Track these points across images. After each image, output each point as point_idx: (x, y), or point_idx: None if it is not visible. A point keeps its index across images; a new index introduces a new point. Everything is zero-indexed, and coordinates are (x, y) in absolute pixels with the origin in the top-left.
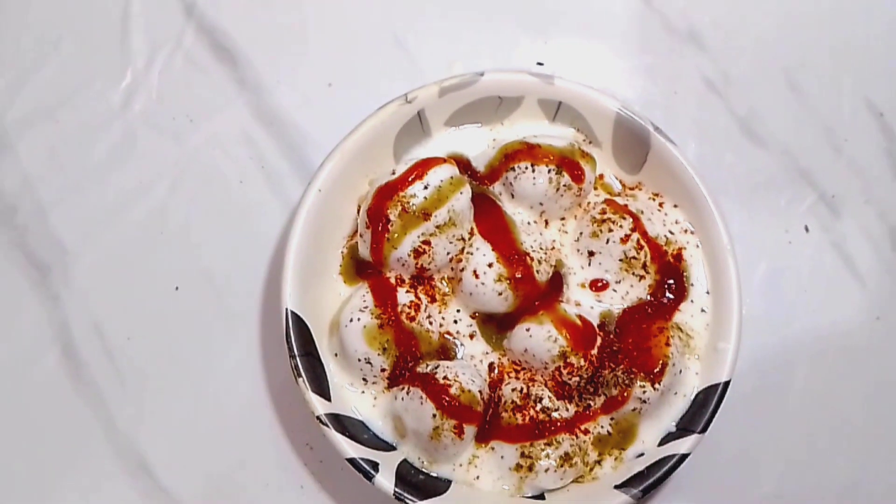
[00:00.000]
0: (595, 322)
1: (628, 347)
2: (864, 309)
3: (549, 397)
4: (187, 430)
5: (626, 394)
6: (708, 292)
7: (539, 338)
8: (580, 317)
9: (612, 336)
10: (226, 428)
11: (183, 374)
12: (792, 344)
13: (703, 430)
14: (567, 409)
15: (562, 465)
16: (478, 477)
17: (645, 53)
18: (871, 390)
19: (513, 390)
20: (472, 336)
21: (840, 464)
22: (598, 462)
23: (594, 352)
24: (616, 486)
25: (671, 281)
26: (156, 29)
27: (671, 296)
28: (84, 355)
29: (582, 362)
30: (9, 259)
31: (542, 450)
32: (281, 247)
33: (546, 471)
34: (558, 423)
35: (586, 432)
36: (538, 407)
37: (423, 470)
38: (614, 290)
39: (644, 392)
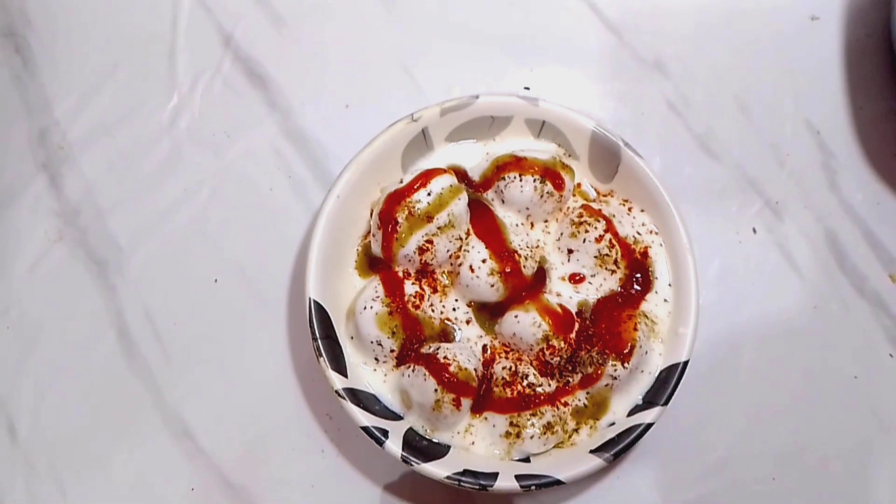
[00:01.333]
0: (573, 310)
1: (601, 332)
2: (802, 299)
3: (534, 374)
4: (224, 401)
5: (599, 371)
6: (670, 284)
7: (525, 323)
8: (560, 305)
9: (587, 322)
10: (257, 400)
11: (221, 354)
12: (741, 329)
13: (666, 403)
14: (549, 385)
15: (545, 433)
16: (473, 443)
17: (616, 80)
18: (808, 369)
19: (503, 368)
20: (468, 322)
21: (781, 432)
22: (576, 430)
23: (572, 336)
24: (591, 451)
25: (638, 275)
26: (198, 58)
27: (638, 287)
28: (136, 338)
29: (562, 344)
30: (73, 255)
31: (528, 419)
32: (305, 245)
33: (531, 437)
34: (542, 397)
35: (566, 405)
36: (525, 383)
37: (426, 437)
38: (590, 283)
39: (615, 370)
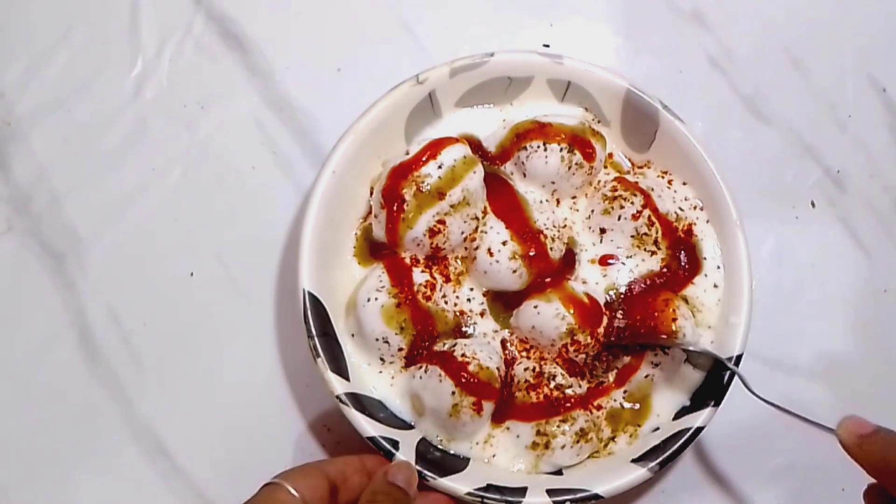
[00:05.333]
0: (601, 298)
1: (635, 324)
2: (870, 281)
3: (563, 374)
4: (204, 412)
5: (637, 362)
6: (719, 267)
7: (547, 315)
8: (587, 294)
9: (616, 315)
10: (242, 411)
11: (199, 358)
12: (801, 316)
13: (717, 404)
14: (580, 386)
15: (578, 441)
16: (494, 455)
17: (650, 34)
18: (879, 362)
19: (525, 370)
20: (482, 314)
21: None
22: (613, 438)
23: (600, 330)
24: (633, 460)
25: (684, 256)
26: (165, 17)
27: (686, 269)
28: (100, 341)
29: (589, 340)
30: (25, 247)
31: (559, 426)
32: (294, 231)
33: (563, 447)
34: (573, 400)
35: (599, 408)
36: (552, 384)
37: (441, 448)
38: (623, 264)
39: (656, 356)
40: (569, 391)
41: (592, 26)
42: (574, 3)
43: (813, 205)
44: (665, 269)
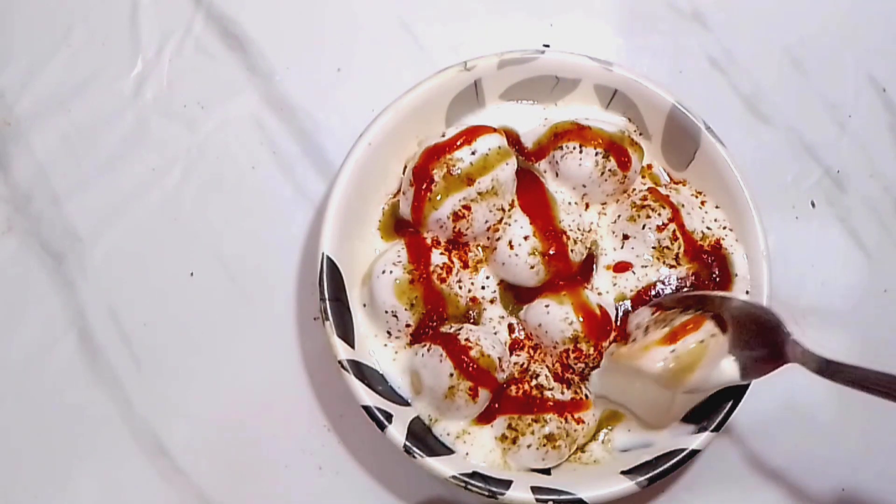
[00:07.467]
0: (612, 308)
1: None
2: (871, 282)
3: (546, 376)
4: (203, 413)
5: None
6: (748, 292)
7: (556, 317)
8: (600, 306)
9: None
10: (242, 411)
11: (199, 358)
12: (800, 318)
13: (717, 429)
14: (563, 393)
15: (544, 445)
16: (473, 445)
17: (650, 33)
18: (880, 361)
19: (514, 364)
20: (493, 301)
21: (850, 434)
22: (583, 448)
23: (605, 344)
24: (622, 472)
25: (716, 268)
26: (165, 17)
27: (715, 280)
28: (100, 341)
29: (591, 351)
30: (25, 247)
31: (529, 425)
32: (294, 234)
33: (528, 447)
34: (549, 403)
35: (580, 422)
36: (533, 383)
37: (432, 428)
38: (633, 273)
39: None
40: (548, 393)
41: (593, 26)
42: (574, 3)
43: (813, 205)
44: (693, 279)
